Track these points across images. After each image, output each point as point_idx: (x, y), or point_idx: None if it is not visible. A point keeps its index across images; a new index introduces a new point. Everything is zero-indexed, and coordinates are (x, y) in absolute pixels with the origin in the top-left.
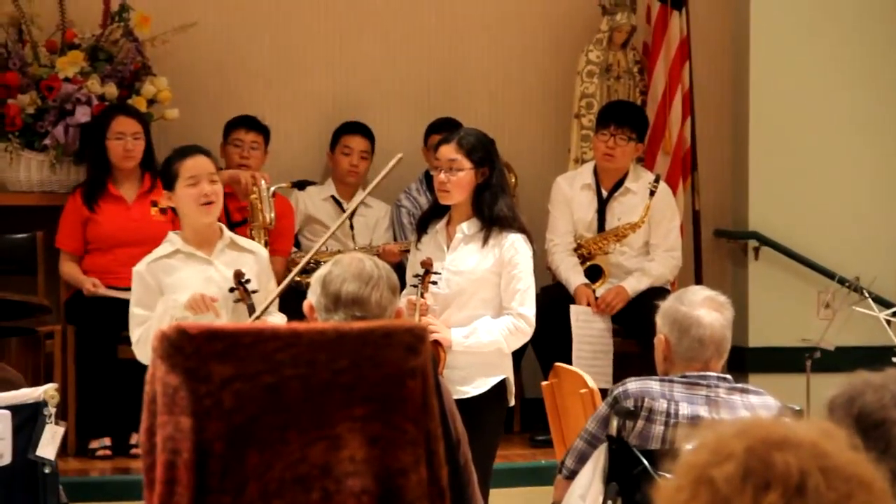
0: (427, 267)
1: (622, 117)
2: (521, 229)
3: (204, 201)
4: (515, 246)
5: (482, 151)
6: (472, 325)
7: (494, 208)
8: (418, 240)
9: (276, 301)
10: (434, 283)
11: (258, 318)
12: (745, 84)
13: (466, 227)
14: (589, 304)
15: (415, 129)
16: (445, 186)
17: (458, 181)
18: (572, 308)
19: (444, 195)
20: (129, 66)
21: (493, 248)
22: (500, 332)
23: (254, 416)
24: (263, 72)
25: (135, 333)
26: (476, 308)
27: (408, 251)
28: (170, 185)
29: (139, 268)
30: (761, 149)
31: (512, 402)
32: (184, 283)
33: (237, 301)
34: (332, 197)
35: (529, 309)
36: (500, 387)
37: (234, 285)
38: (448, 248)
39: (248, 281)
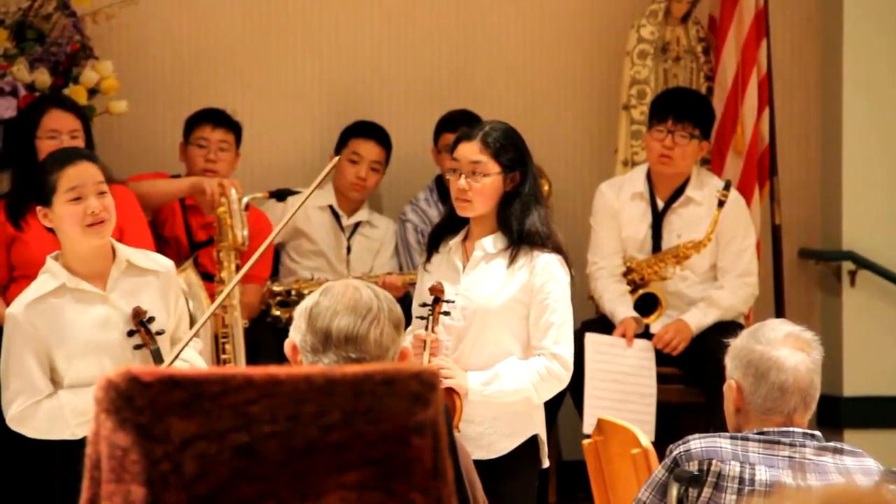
0: (437, 294)
1: (682, 109)
2: (558, 249)
3: (91, 221)
4: (551, 269)
5: (513, 152)
6: (493, 368)
7: (526, 222)
8: (428, 259)
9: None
10: (446, 313)
11: (169, 365)
12: (837, 67)
13: (489, 244)
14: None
15: (423, 127)
16: (466, 195)
17: (483, 189)
18: (588, 337)
19: (465, 206)
20: (66, 48)
21: (522, 269)
22: (528, 378)
23: (222, 485)
24: (234, 55)
25: (14, 403)
26: (498, 345)
27: (414, 284)
28: (45, 200)
29: (14, 310)
30: (858, 149)
31: (546, 464)
32: (76, 328)
33: (138, 347)
34: (330, 208)
35: (566, 349)
36: (531, 446)
37: (133, 327)
38: (464, 268)
39: (150, 320)
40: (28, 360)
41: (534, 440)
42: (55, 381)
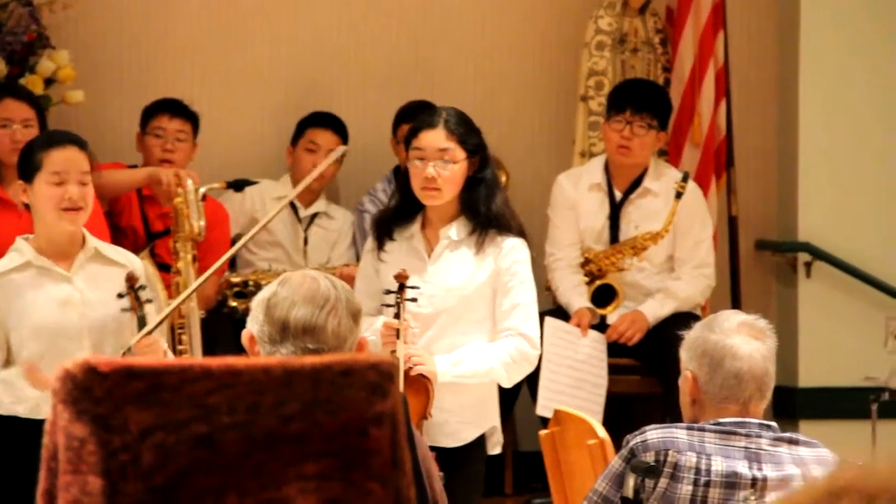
0: (402, 281)
1: (640, 100)
2: (521, 232)
3: (67, 206)
4: (516, 252)
5: (476, 136)
6: (460, 350)
7: (492, 206)
8: (381, 247)
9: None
10: (413, 299)
11: (149, 333)
12: (794, 59)
13: (453, 232)
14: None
15: (382, 117)
16: (435, 184)
17: (452, 176)
18: (547, 320)
19: (434, 194)
20: (22, 37)
21: (489, 255)
22: (497, 358)
23: (181, 476)
24: (191, 44)
25: None
26: (465, 332)
27: None
28: (27, 176)
29: None
30: (814, 140)
31: (497, 450)
32: (35, 305)
33: (125, 310)
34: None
35: (533, 328)
36: (481, 435)
37: (123, 291)
38: (430, 256)
39: (142, 287)
40: None
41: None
42: (9, 361)
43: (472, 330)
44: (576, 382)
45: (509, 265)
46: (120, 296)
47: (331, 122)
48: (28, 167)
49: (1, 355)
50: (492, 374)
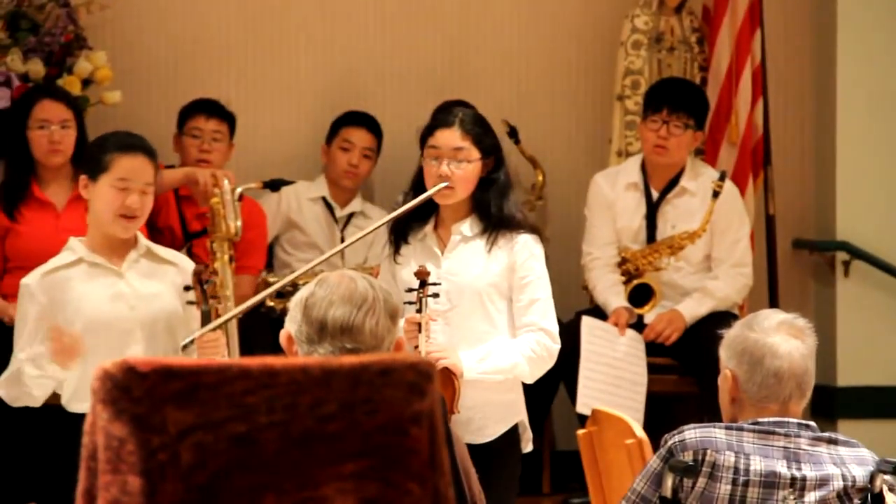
0: (423, 277)
1: (676, 99)
2: (534, 229)
3: (125, 213)
4: (530, 247)
5: (490, 137)
6: (485, 346)
7: (504, 207)
8: (397, 251)
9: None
10: (435, 295)
11: (214, 329)
12: (831, 58)
13: (466, 228)
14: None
15: (419, 118)
16: (449, 181)
17: (466, 175)
18: (584, 319)
19: (447, 193)
20: (59, 38)
21: (502, 250)
22: (520, 354)
23: (219, 475)
24: (226, 46)
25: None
26: (484, 324)
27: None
28: (93, 173)
29: (28, 280)
30: (851, 139)
31: (529, 448)
32: (86, 299)
33: (190, 303)
34: (323, 199)
35: (552, 323)
36: (514, 432)
37: (190, 283)
38: (443, 253)
39: (209, 282)
40: (32, 327)
41: (516, 426)
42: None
43: (489, 321)
44: (614, 381)
45: (524, 260)
46: (186, 288)
47: (365, 121)
48: (95, 165)
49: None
50: (516, 369)
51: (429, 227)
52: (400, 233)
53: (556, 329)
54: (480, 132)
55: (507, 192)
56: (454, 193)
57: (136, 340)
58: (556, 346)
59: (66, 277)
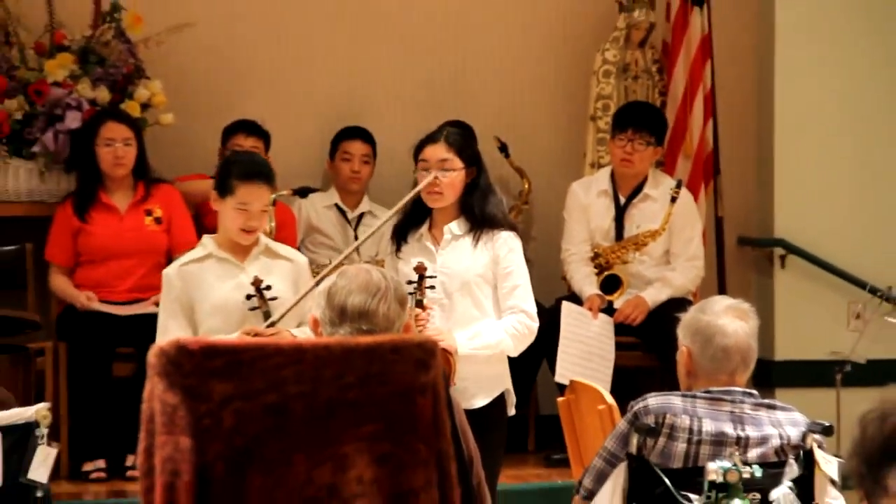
0: (421, 272)
1: (640, 120)
2: (512, 227)
3: (245, 228)
4: (508, 243)
5: (470, 150)
6: (474, 326)
7: (486, 208)
8: (398, 249)
9: (297, 313)
10: (432, 287)
11: (273, 324)
12: (769, 83)
13: (455, 228)
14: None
15: (421, 132)
16: (437, 188)
17: (451, 182)
18: (564, 304)
19: (437, 197)
20: (122, 69)
21: (486, 245)
22: (505, 332)
23: (256, 437)
24: (262, 74)
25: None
26: (469, 311)
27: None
28: (221, 192)
29: (169, 271)
30: (787, 151)
31: (512, 411)
32: (212, 288)
33: (253, 309)
34: (336, 205)
35: (531, 304)
36: (501, 399)
37: (251, 292)
38: (438, 249)
39: (267, 288)
40: (175, 309)
41: (503, 394)
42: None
43: (476, 308)
44: (587, 356)
45: (505, 254)
46: (248, 297)
47: (359, 133)
48: (224, 187)
49: (190, 329)
50: (501, 345)
51: (424, 228)
52: (400, 234)
53: (534, 310)
54: (462, 145)
55: (489, 195)
56: (443, 197)
57: (250, 323)
58: (535, 323)
59: (198, 269)
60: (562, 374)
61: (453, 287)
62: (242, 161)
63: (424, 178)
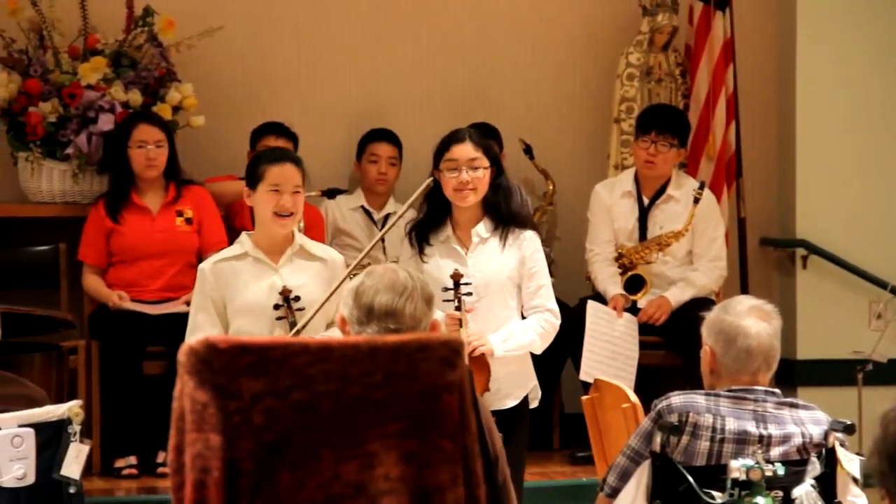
0: (458, 279)
1: (663, 122)
2: (535, 227)
3: (280, 211)
4: (534, 243)
5: (493, 150)
6: (506, 328)
7: (511, 205)
8: (421, 251)
9: (326, 314)
10: (469, 293)
11: (297, 332)
12: (791, 86)
13: (482, 230)
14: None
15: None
16: (470, 186)
17: (482, 179)
18: (589, 303)
19: (469, 195)
20: (154, 73)
21: (513, 247)
22: (534, 331)
23: (285, 434)
24: (291, 78)
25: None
26: (500, 312)
27: None
28: (252, 184)
29: (204, 265)
30: (809, 153)
31: (535, 404)
32: (245, 287)
33: (279, 318)
34: (362, 207)
35: (555, 304)
36: (525, 396)
37: (279, 302)
38: (467, 252)
39: (296, 298)
40: (207, 303)
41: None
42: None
43: (504, 310)
44: (612, 355)
45: (531, 254)
46: (276, 307)
47: (386, 135)
48: (253, 177)
49: (220, 324)
50: (532, 345)
51: (448, 231)
52: (421, 236)
53: (557, 308)
54: (486, 145)
55: (510, 193)
56: (475, 194)
57: (277, 329)
58: (558, 321)
59: (232, 266)
60: (586, 373)
61: (485, 290)
62: (269, 149)
63: (452, 178)
